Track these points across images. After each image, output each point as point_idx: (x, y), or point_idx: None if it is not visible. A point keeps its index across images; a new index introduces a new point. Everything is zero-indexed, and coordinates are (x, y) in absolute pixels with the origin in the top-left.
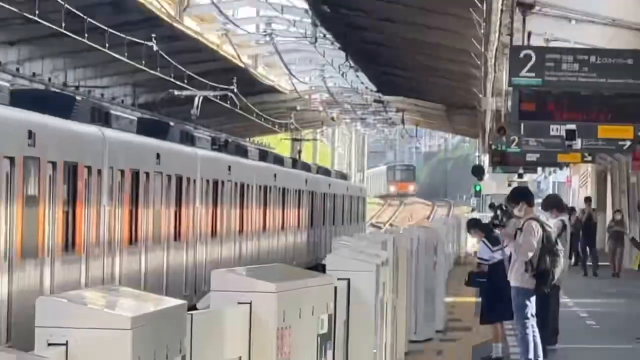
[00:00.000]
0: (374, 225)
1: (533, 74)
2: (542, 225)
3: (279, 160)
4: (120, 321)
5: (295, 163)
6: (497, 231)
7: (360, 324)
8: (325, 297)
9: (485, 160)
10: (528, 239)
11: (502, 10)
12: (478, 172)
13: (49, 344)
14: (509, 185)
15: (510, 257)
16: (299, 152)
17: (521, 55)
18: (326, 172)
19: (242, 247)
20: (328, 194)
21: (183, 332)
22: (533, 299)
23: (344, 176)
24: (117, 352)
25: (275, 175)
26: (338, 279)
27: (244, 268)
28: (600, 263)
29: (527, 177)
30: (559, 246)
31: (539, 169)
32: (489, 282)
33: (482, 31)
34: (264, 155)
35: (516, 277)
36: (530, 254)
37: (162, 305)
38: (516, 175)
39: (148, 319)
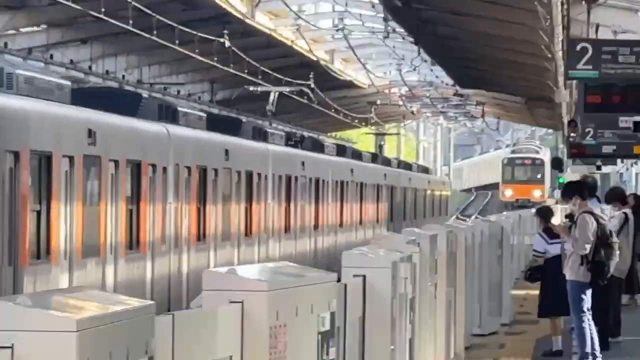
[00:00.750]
0: (459, 218)
1: (590, 67)
2: (596, 218)
3: (357, 155)
4: (65, 324)
5: (375, 158)
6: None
7: (375, 320)
8: (327, 295)
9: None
10: (584, 232)
11: (562, 3)
12: (557, 164)
13: None
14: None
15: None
16: (380, 146)
17: (578, 48)
18: (407, 166)
19: (317, 243)
20: (409, 188)
21: (150, 333)
22: (589, 292)
23: (426, 170)
24: (63, 354)
25: (352, 170)
26: (354, 275)
27: (238, 267)
28: None
29: (609, 169)
30: (614, 239)
31: (619, 160)
32: (545, 276)
33: (547, 24)
34: (341, 151)
35: (571, 271)
36: (588, 247)
37: (121, 306)
38: (595, 168)
39: (99, 320)
